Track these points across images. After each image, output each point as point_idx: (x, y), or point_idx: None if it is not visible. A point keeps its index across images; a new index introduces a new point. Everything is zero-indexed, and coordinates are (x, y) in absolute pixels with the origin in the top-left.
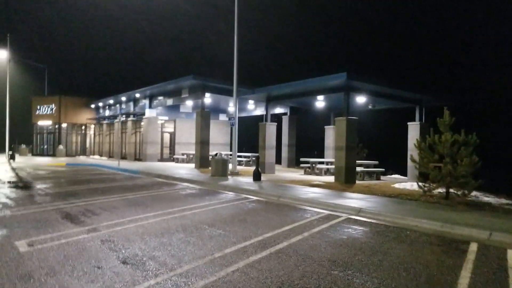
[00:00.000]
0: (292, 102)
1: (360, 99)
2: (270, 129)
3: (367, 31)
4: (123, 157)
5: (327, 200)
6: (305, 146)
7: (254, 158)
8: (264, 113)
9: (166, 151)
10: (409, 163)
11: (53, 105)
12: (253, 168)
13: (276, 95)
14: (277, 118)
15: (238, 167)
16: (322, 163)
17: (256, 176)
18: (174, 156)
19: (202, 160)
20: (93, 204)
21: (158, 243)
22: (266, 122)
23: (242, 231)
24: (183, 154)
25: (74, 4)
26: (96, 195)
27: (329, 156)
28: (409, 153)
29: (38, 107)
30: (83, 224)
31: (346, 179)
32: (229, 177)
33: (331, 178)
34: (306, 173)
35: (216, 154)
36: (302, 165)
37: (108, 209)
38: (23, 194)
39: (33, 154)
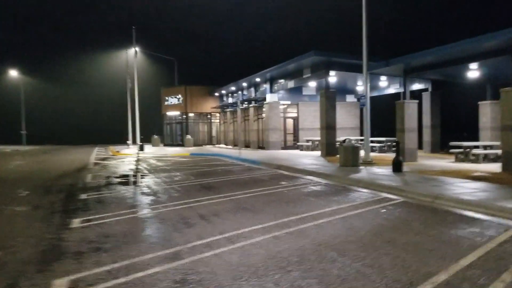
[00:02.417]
0: (434, 74)
1: None
2: (410, 108)
3: None
4: (247, 145)
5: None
6: (451, 127)
7: (389, 144)
8: (400, 89)
9: (290, 138)
10: None
11: (180, 95)
12: (388, 156)
13: (416, 66)
14: (415, 96)
15: (371, 155)
16: (477, 147)
17: (397, 167)
18: (298, 143)
19: (328, 147)
20: (193, 207)
21: None
22: (404, 100)
23: (392, 267)
24: (307, 141)
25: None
26: (201, 194)
27: (485, 138)
28: None
29: (167, 98)
30: (165, 245)
31: None
32: (361, 167)
33: (492, 167)
34: (457, 160)
35: (344, 140)
36: (451, 150)
37: (207, 217)
38: (125, 192)
39: (164, 144)
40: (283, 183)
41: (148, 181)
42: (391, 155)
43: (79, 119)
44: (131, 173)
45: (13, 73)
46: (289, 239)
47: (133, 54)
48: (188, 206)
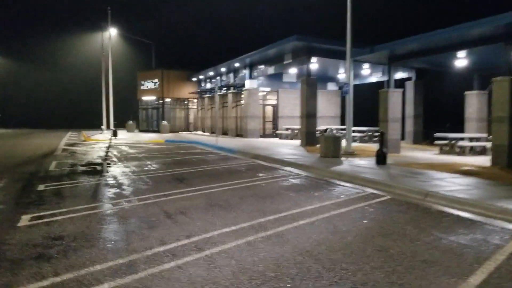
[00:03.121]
0: (420, 63)
1: None
2: (394, 97)
3: None
4: (224, 133)
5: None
6: (433, 117)
7: (370, 133)
8: (383, 78)
9: (269, 125)
10: None
11: (156, 79)
12: (369, 146)
13: (401, 54)
14: (397, 85)
15: (352, 145)
16: (463, 139)
17: (381, 159)
18: (277, 132)
19: (308, 136)
20: (160, 203)
21: None
22: (388, 88)
23: (389, 286)
24: (286, 129)
25: None
26: (171, 187)
27: (471, 129)
28: None
29: (142, 82)
30: (120, 252)
31: (511, 162)
32: (342, 158)
33: (481, 160)
34: (442, 152)
35: (326, 130)
36: (436, 141)
37: (174, 215)
38: (87, 184)
39: (140, 130)
40: (260, 174)
41: (115, 171)
42: (373, 146)
43: (55, 102)
44: (99, 161)
45: None
46: (265, 246)
47: (109, 36)
48: (154, 202)
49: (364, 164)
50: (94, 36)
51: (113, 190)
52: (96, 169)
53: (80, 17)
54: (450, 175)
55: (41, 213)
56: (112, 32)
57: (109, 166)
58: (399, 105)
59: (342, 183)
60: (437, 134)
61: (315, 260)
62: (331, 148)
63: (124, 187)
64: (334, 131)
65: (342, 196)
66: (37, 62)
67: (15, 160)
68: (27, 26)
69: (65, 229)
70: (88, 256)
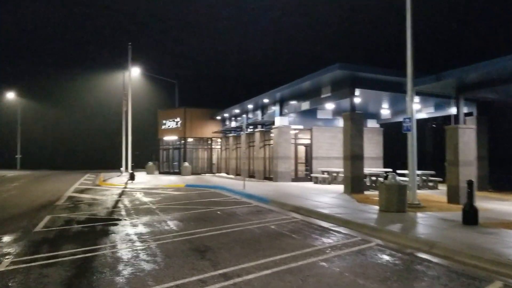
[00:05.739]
0: (490, 92)
1: None
2: (466, 135)
3: None
4: (251, 175)
5: None
6: (492, 158)
7: (424, 178)
8: (437, 113)
9: (301, 167)
10: None
11: (178, 118)
12: (429, 194)
13: (474, 82)
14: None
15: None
16: None
17: (470, 217)
18: (312, 175)
19: (354, 181)
20: None
21: None
22: (457, 124)
23: None
24: (323, 172)
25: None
26: (188, 268)
27: None
28: None
29: (164, 121)
30: None
31: None
32: (409, 213)
33: None
34: None
35: (387, 176)
36: None
37: None
38: (69, 261)
39: (159, 172)
40: (312, 242)
41: (118, 234)
42: (433, 194)
43: (77, 143)
44: (103, 215)
45: (10, 95)
46: None
47: (131, 75)
48: None
49: (447, 224)
50: (116, 75)
51: (101, 274)
52: (94, 229)
53: (102, 58)
54: None
55: None
56: (134, 71)
57: (113, 225)
58: (472, 145)
59: (439, 261)
60: None
61: None
62: (395, 200)
63: (120, 267)
64: (397, 178)
65: None
66: (60, 103)
67: (2, 213)
68: (48, 67)
69: None
70: None
